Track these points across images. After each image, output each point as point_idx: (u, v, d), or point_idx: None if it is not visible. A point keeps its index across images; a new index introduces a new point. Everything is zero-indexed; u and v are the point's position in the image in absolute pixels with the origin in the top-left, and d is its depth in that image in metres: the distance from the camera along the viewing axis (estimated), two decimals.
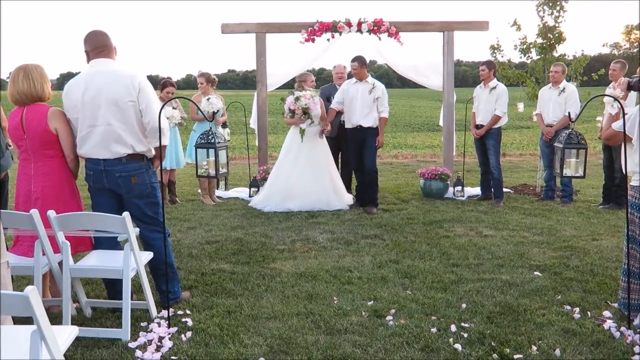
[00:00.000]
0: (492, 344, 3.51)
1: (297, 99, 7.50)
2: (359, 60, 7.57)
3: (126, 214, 3.59)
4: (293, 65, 8.63)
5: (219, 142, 3.93)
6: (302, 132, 7.55)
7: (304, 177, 7.50)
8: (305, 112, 7.46)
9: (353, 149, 7.69)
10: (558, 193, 8.14)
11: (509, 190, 8.87)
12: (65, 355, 2.45)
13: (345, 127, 7.70)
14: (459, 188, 8.36)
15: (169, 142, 7.49)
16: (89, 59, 3.90)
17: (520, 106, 9.49)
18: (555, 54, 8.92)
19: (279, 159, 7.94)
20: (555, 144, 3.95)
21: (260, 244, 5.89)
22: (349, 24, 8.27)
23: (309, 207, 7.41)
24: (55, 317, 3.80)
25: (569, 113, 4.32)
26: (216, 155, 3.91)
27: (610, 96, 3.98)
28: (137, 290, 4.30)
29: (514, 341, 3.55)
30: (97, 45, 3.90)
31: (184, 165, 8.26)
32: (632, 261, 3.73)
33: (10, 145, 3.98)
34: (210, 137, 3.94)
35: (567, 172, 3.77)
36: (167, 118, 7.43)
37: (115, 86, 3.78)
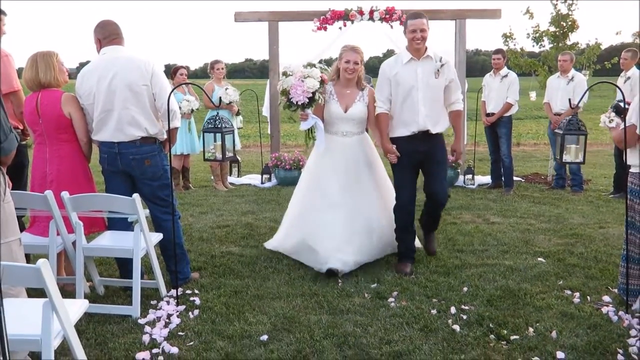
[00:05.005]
0: (490, 325, 3.59)
1: (284, 73, 4.82)
2: (425, 16, 4.46)
3: (136, 196, 3.73)
4: (305, 53, 8.67)
5: (225, 127, 4.05)
6: (307, 137, 5.08)
7: (335, 214, 4.72)
8: (283, 93, 4.74)
9: (409, 169, 4.68)
10: (569, 182, 8.14)
11: (519, 179, 8.88)
12: (77, 329, 2.58)
13: (393, 135, 4.68)
14: (470, 176, 8.39)
15: (184, 129, 7.70)
16: (100, 47, 4.05)
17: (533, 95, 9.47)
18: (568, 42, 8.88)
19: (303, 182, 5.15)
20: (556, 131, 3.99)
21: (269, 229, 6.00)
22: (361, 12, 8.31)
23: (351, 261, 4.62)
24: (69, 295, 3.95)
25: (569, 100, 4.32)
26: (223, 140, 4.03)
27: (612, 83, 4.00)
28: (147, 270, 4.45)
29: (512, 323, 3.62)
30: (111, 33, 4.05)
31: (199, 152, 8.40)
32: (631, 247, 3.77)
33: (18, 128, 4.13)
34: (217, 121, 4.06)
35: (567, 158, 3.81)
36: (188, 101, 7.58)
37: (129, 71, 3.94)
